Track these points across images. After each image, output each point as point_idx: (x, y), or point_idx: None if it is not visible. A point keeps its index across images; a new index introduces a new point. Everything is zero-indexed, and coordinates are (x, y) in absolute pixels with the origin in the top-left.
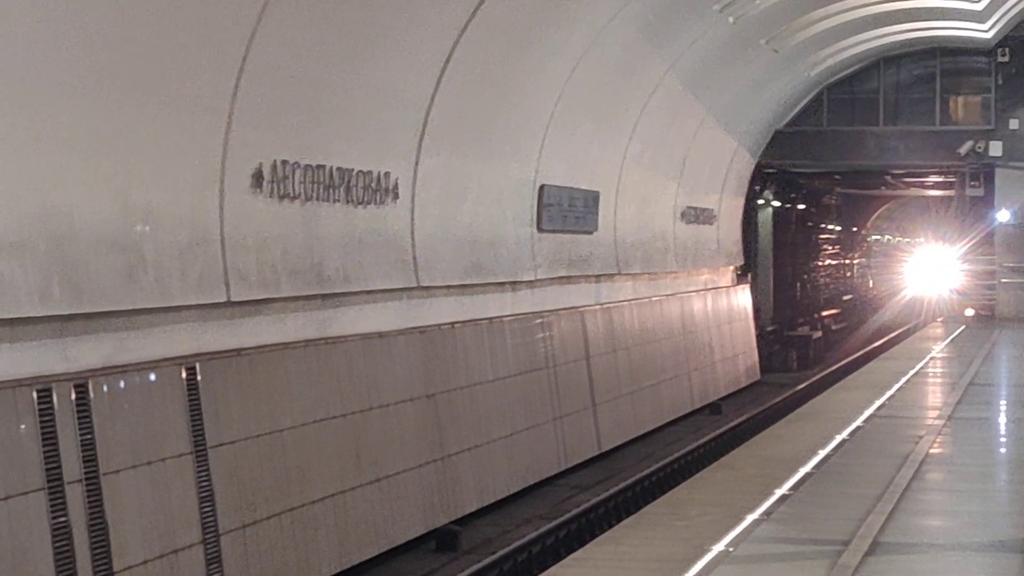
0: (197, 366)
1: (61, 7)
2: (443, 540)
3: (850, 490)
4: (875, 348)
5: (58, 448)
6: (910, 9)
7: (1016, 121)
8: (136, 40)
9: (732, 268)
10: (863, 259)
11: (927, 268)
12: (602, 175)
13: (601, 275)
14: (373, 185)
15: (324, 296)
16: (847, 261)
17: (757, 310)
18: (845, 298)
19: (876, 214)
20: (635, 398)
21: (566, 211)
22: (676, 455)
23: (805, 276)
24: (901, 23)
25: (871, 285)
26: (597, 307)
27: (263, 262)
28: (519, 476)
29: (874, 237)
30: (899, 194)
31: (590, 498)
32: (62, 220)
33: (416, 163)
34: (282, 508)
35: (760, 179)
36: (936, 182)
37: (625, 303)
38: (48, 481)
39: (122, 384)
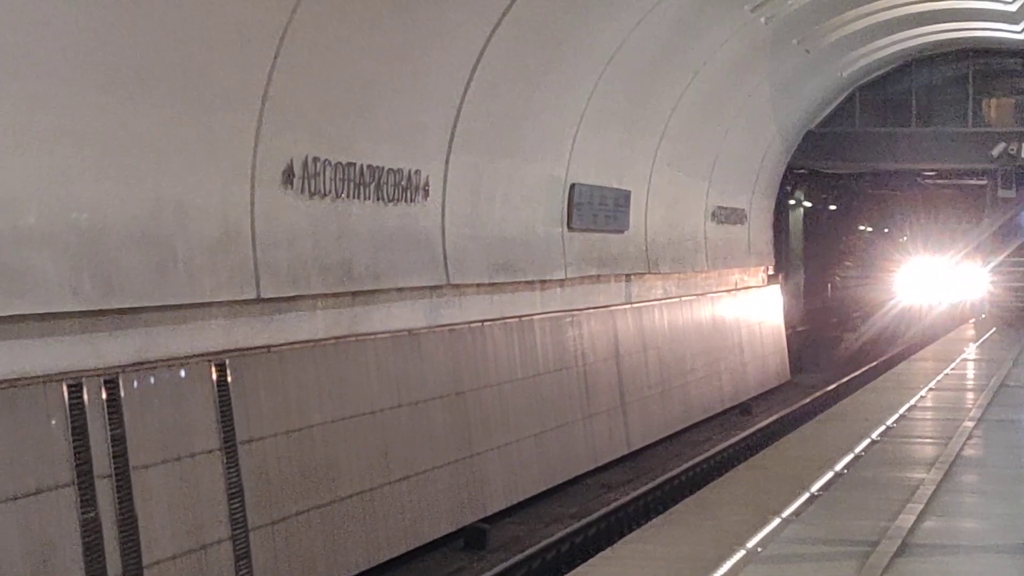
0: (227, 362)
1: (95, 7)
2: (471, 538)
3: (879, 491)
4: (907, 348)
5: (88, 443)
6: (943, 10)
7: None
8: (167, 38)
9: (763, 268)
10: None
11: (921, 276)
12: (633, 174)
13: (631, 274)
14: (403, 183)
15: (354, 293)
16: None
17: (787, 310)
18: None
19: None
20: (665, 397)
21: (596, 210)
22: (705, 455)
23: (836, 276)
24: (933, 24)
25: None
26: (627, 306)
27: (293, 259)
28: (548, 474)
29: (905, 237)
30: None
31: (619, 497)
32: (93, 215)
33: (447, 161)
34: (311, 505)
35: (791, 179)
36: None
37: (655, 302)
38: (78, 476)
39: (152, 380)
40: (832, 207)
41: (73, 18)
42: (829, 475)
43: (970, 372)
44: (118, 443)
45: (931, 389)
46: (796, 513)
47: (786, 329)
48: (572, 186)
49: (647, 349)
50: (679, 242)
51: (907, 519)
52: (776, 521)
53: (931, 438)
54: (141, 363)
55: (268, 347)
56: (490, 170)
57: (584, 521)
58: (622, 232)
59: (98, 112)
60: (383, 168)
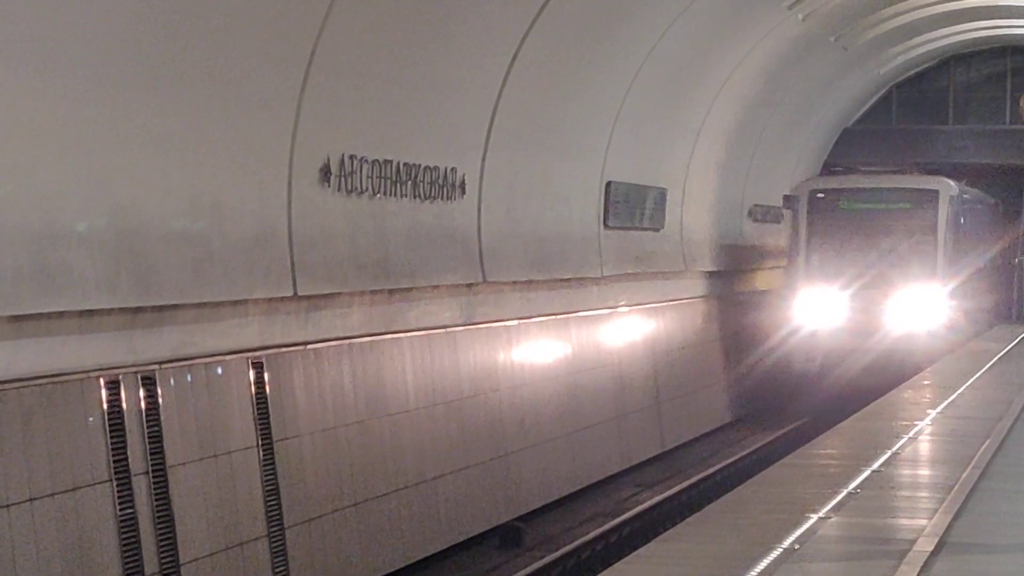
0: (263, 359)
1: (134, 10)
2: (507, 536)
3: (916, 489)
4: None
5: (125, 440)
6: (981, 7)
7: None
8: (204, 36)
9: None
10: None
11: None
12: (669, 172)
13: (668, 272)
14: (440, 181)
15: (390, 291)
16: None
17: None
18: None
19: None
20: (700, 396)
21: (633, 208)
22: (740, 454)
23: None
24: (972, 21)
25: None
26: (663, 304)
27: (330, 256)
28: (583, 473)
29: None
30: None
31: (653, 496)
32: (130, 213)
33: (483, 159)
34: (347, 503)
35: None
36: None
37: (691, 300)
38: (115, 473)
39: (189, 377)
40: None
41: (111, 18)
42: (865, 473)
43: (1007, 369)
44: (155, 440)
45: (968, 387)
46: (833, 511)
47: None
48: (608, 184)
49: (683, 347)
50: (716, 240)
51: (944, 518)
52: (812, 519)
53: (968, 436)
54: (178, 360)
55: (304, 344)
56: (526, 167)
57: (619, 520)
58: (658, 230)
59: (135, 111)
60: (420, 165)
